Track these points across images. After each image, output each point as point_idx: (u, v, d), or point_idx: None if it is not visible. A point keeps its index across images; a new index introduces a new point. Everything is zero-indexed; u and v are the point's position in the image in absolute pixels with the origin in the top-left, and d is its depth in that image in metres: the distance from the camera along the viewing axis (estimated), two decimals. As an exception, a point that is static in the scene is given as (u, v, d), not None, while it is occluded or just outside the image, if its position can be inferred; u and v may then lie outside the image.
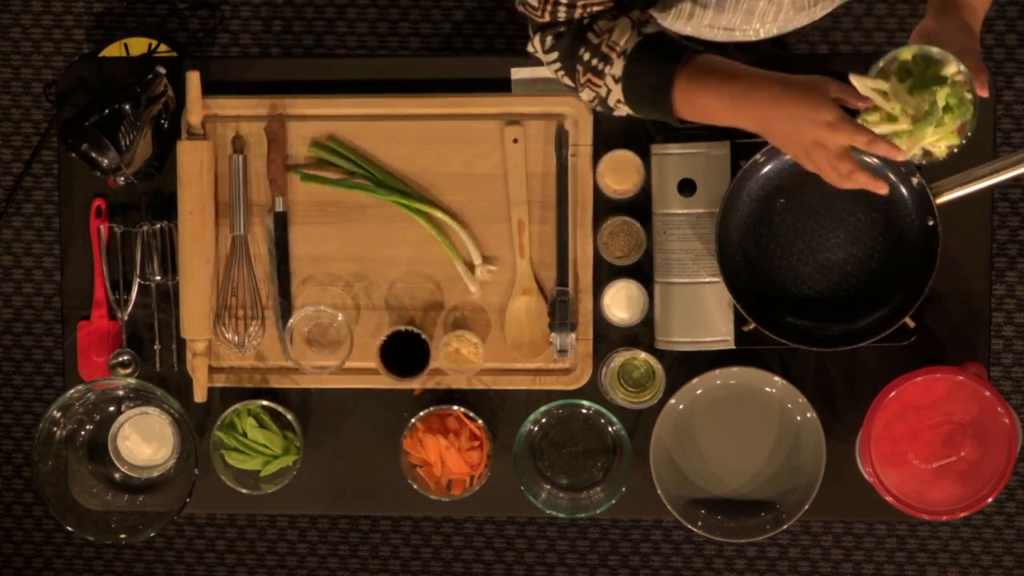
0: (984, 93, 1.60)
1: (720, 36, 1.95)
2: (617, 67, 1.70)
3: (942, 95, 1.60)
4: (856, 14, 2.86)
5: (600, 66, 1.71)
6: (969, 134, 1.63)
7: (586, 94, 1.76)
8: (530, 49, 1.78)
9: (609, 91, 1.73)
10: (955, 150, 1.64)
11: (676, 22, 1.88)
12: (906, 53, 1.62)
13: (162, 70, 1.99)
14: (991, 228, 2.04)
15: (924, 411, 1.94)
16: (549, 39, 1.73)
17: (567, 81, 1.77)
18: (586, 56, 1.71)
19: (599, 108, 1.78)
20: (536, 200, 2.03)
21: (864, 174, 1.59)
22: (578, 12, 1.69)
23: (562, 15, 1.70)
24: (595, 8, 1.69)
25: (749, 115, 1.63)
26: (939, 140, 1.63)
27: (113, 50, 2.82)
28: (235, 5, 2.91)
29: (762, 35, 1.93)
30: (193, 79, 2.01)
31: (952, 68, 1.60)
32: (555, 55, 1.74)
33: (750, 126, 1.64)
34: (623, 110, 1.76)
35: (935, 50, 1.61)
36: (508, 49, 2.89)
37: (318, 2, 2.90)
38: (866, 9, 2.85)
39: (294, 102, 2.04)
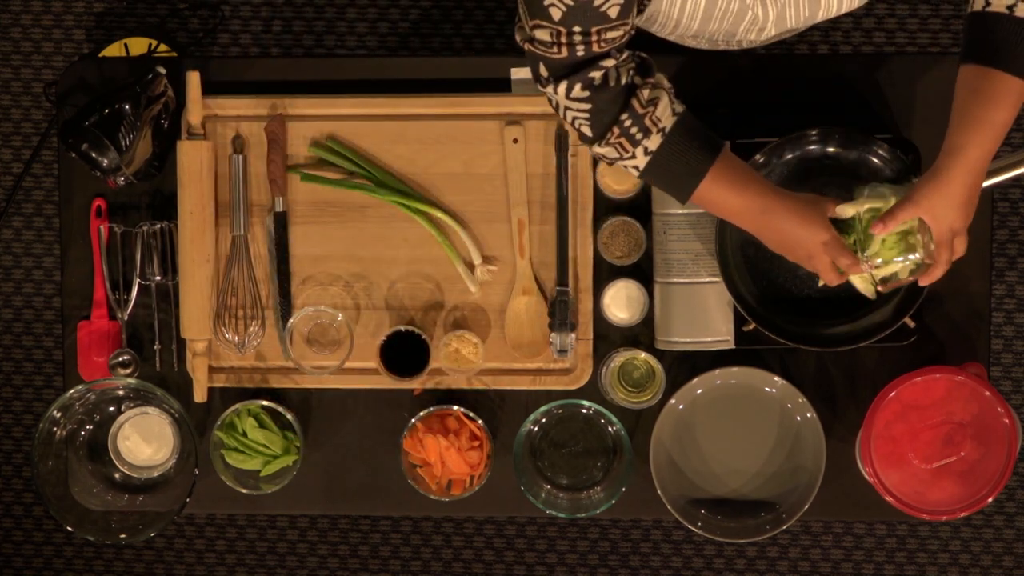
0: (878, 232, 1.73)
1: (703, 45, 1.96)
2: (654, 142, 1.72)
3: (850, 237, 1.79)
4: (856, 14, 2.85)
5: (639, 136, 1.72)
6: (878, 287, 1.82)
7: (605, 150, 1.74)
8: (546, 91, 1.72)
9: (633, 157, 1.74)
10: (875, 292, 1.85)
11: (661, 31, 1.88)
12: (851, 208, 1.79)
13: (162, 70, 1.99)
14: (991, 228, 2.04)
15: (924, 411, 1.94)
16: (578, 88, 1.68)
17: (585, 130, 1.74)
18: (627, 123, 1.71)
19: (604, 161, 1.79)
20: (536, 200, 2.03)
21: (844, 280, 1.81)
22: (595, 46, 1.63)
23: (580, 50, 1.64)
24: (610, 35, 1.63)
25: (756, 222, 1.78)
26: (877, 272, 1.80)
27: (113, 50, 2.82)
28: (235, 5, 2.91)
29: (744, 46, 1.95)
30: (193, 79, 2.01)
31: (849, 212, 1.77)
32: (586, 107, 1.70)
33: (751, 230, 1.80)
34: (629, 171, 1.77)
35: (865, 190, 1.78)
36: (508, 49, 2.89)
37: (318, 2, 2.90)
38: (866, 9, 2.85)
39: (294, 102, 2.03)
